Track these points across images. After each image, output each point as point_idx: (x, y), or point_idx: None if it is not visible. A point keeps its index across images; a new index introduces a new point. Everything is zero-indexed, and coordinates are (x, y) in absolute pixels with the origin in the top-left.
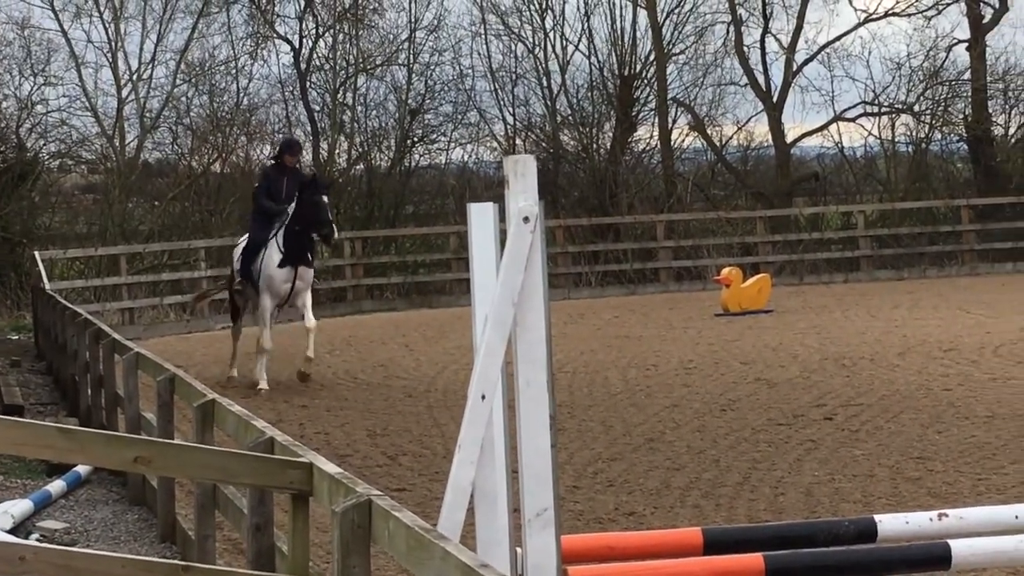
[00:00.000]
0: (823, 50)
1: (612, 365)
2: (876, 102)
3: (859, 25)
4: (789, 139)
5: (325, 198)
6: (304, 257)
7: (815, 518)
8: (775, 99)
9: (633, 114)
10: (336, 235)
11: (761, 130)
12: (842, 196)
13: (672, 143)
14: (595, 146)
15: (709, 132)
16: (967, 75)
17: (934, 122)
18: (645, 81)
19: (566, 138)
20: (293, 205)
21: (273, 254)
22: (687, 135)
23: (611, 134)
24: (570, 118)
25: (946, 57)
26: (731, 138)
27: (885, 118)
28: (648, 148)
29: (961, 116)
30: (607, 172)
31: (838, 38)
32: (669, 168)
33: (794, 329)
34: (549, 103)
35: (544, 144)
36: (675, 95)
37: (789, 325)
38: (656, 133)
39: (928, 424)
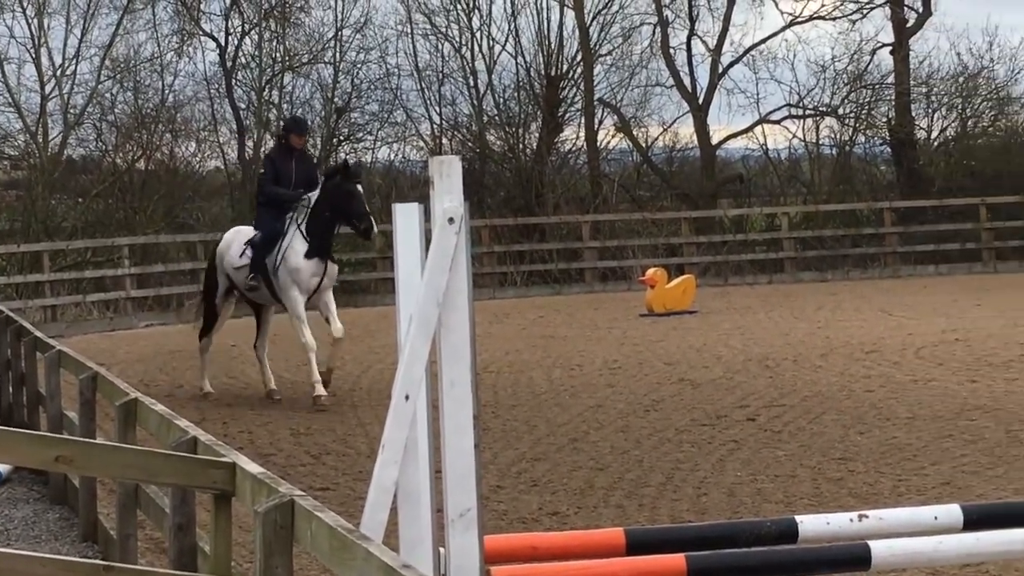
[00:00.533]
0: (748, 52)
1: (537, 365)
2: (801, 105)
3: (784, 28)
4: (714, 141)
5: (359, 187)
6: (330, 250)
7: (737, 518)
8: (701, 101)
9: (559, 114)
10: (375, 229)
11: (687, 131)
12: (766, 198)
13: (598, 144)
14: (521, 146)
15: (635, 133)
16: (891, 79)
17: (858, 125)
18: (572, 82)
19: (492, 138)
20: (316, 192)
21: (297, 244)
22: (613, 136)
23: (537, 134)
24: (496, 118)
25: (870, 61)
26: (657, 139)
27: (809, 121)
28: (574, 149)
29: (884, 119)
30: (533, 172)
31: (763, 41)
32: (595, 169)
33: (718, 330)
34: (475, 103)
35: (470, 144)
36: (601, 96)
37: (713, 326)
38: (582, 134)
39: (850, 425)
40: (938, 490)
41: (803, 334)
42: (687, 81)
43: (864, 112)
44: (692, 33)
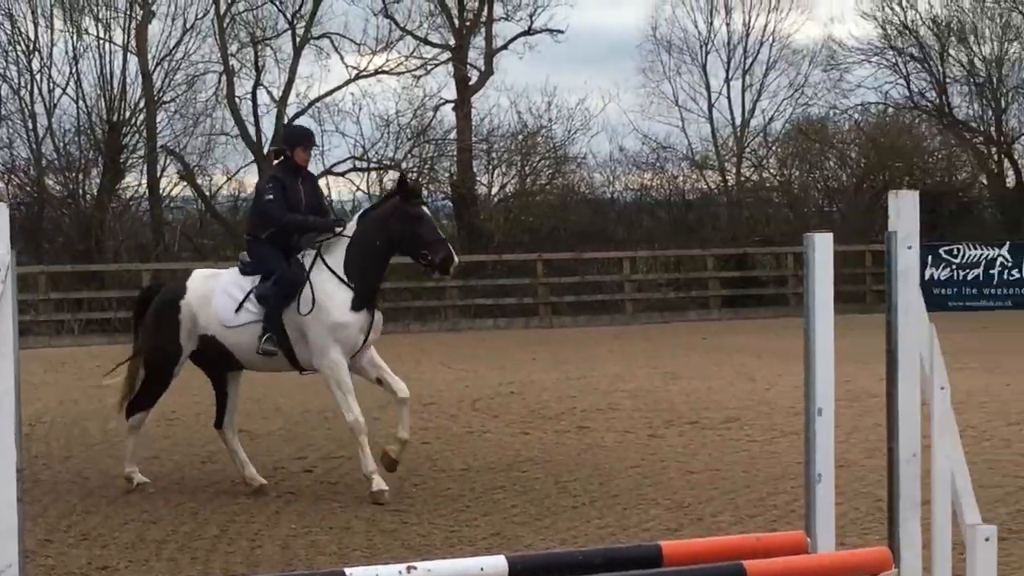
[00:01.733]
0: (314, 104)
1: (92, 415)
2: (365, 158)
3: (350, 81)
4: None
5: (426, 209)
6: (376, 297)
7: (290, 571)
8: (266, 151)
9: (122, 161)
10: (456, 259)
11: (251, 181)
12: None
13: (161, 191)
14: (82, 192)
15: (199, 181)
16: (453, 135)
17: (421, 179)
18: (134, 128)
19: (52, 183)
20: (353, 223)
21: (334, 290)
22: (176, 184)
23: (98, 180)
24: (56, 162)
25: (433, 116)
26: (221, 188)
27: (374, 174)
28: (136, 196)
29: (447, 174)
30: (93, 218)
31: (329, 93)
32: (157, 216)
33: (278, 380)
34: (34, 146)
35: (29, 188)
36: (165, 143)
37: (274, 377)
38: (145, 180)
39: (405, 477)
40: (488, 541)
41: (362, 386)
42: (252, 131)
43: (427, 167)
44: (258, 83)
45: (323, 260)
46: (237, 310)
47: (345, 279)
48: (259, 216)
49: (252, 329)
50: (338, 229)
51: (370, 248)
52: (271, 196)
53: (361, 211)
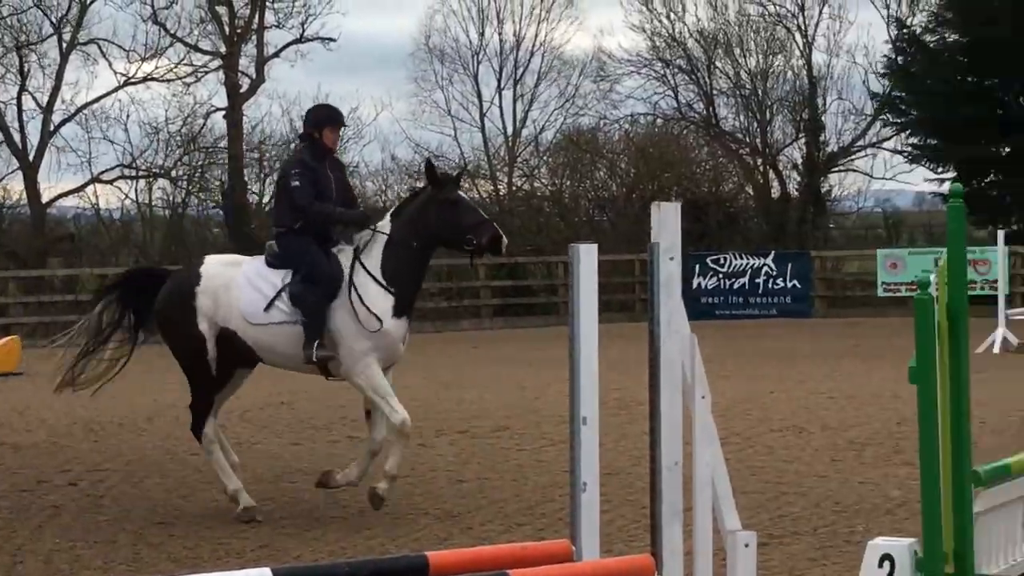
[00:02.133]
0: (81, 111)
1: None
2: (134, 166)
3: (118, 88)
4: (45, 199)
5: (462, 194)
6: (414, 303)
7: None
8: (31, 158)
9: None
10: (505, 238)
11: (17, 188)
12: (98, 258)
13: None
14: None
15: None
16: (224, 143)
17: (191, 187)
18: None
19: None
20: (386, 221)
21: (378, 297)
22: None
23: None
24: None
25: (204, 124)
26: None
27: (143, 181)
28: None
29: (218, 183)
30: None
31: (97, 100)
32: None
33: (43, 392)
34: None
35: None
36: None
37: (39, 388)
38: None
39: (172, 489)
40: (257, 552)
41: (131, 396)
42: (17, 137)
43: (197, 175)
44: (23, 89)
45: (360, 261)
46: (267, 308)
47: (384, 283)
48: (287, 205)
49: (285, 330)
50: (373, 225)
51: (407, 248)
52: (297, 182)
53: (393, 208)
